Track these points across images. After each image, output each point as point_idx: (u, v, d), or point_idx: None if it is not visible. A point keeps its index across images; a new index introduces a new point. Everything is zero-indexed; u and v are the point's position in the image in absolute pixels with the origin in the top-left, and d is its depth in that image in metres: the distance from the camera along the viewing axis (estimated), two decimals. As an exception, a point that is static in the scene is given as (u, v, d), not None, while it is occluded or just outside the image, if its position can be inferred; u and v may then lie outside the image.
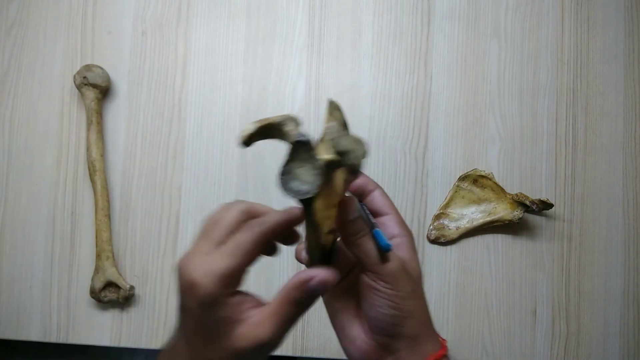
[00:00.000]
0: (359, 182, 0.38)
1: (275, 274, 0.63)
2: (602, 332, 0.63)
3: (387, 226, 0.37)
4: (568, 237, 0.64)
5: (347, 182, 0.33)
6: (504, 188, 0.64)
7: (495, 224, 0.63)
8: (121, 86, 0.66)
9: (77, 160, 0.65)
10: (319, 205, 0.30)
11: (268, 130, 0.30)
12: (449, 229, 0.64)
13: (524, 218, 0.63)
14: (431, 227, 0.64)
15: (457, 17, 0.66)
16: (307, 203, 0.30)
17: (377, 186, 0.39)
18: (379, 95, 0.66)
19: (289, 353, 0.62)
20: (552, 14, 0.66)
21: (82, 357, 0.84)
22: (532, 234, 0.64)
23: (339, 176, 0.31)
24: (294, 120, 0.30)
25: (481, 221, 0.63)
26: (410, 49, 0.66)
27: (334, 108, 0.31)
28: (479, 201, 0.64)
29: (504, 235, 0.64)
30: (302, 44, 0.66)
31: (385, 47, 0.66)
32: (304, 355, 0.62)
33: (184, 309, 0.32)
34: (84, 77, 0.62)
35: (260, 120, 0.30)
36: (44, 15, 0.67)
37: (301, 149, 0.29)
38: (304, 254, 0.36)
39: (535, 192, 0.64)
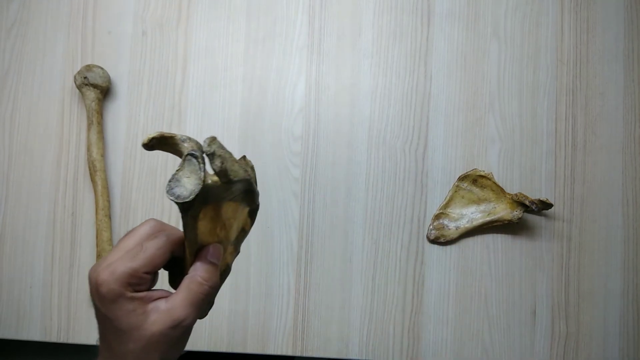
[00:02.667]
0: None
1: (275, 274, 0.63)
2: (602, 332, 0.63)
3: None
4: (568, 237, 0.64)
5: (251, 217, 0.39)
6: (504, 188, 0.64)
7: (495, 224, 0.63)
8: (121, 86, 0.66)
9: (78, 160, 0.65)
10: (201, 223, 0.35)
11: (167, 141, 0.34)
12: (449, 229, 0.64)
13: (524, 218, 0.63)
14: (431, 227, 0.64)
15: (457, 17, 0.66)
16: (185, 210, 0.33)
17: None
18: (379, 95, 0.66)
19: (289, 353, 0.62)
20: (552, 14, 0.66)
21: (82, 357, 0.84)
22: (532, 234, 0.64)
23: (229, 206, 0.36)
24: (196, 142, 0.35)
25: (481, 221, 0.63)
26: (410, 49, 0.66)
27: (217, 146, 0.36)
28: (478, 201, 0.64)
29: (503, 235, 0.64)
30: (302, 44, 0.66)
31: (385, 47, 0.66)
32: (304, 355, 0.62)
33: (97, 314, 0.35)
34: (85, 77, 0.62)
35: (164, 132, 0.35)
36: (44, 15, 0.67)
37: (192, 162, 0.33)
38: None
39: (535, 192, 0.64)
